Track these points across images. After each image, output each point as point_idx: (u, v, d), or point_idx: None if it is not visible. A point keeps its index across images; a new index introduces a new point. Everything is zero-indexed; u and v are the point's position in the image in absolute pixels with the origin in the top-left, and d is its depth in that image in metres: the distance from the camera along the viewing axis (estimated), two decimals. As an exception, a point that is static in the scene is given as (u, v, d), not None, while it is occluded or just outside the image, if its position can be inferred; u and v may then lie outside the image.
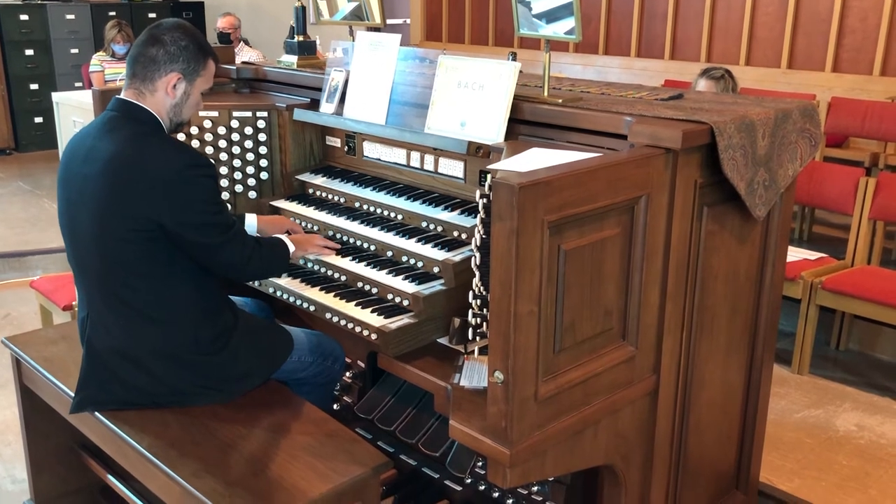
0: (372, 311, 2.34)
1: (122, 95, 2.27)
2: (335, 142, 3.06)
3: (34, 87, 8.70)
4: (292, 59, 3.27)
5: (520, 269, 1.68)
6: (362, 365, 2.73)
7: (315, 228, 2.80)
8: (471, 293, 2.05)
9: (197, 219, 2.17)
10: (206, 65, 2.31)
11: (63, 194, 2.28)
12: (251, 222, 2.70)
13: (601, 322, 1.94)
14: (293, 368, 2.48)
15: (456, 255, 2.35)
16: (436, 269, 2.39)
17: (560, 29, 2.24)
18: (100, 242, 2.18)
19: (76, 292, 2.40)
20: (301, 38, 3.29)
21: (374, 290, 2.45)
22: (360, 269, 2.51)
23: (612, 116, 2.15)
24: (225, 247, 2.22)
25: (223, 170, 2.98)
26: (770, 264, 2.44)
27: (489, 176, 1.97)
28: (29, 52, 8.64)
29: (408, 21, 9.18)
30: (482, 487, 2.49)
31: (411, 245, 2.48)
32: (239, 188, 3.02)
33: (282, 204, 2.94)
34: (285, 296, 2.57)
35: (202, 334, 2.26)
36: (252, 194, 3.03)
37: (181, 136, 2.86)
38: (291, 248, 2.50)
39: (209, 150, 2.96)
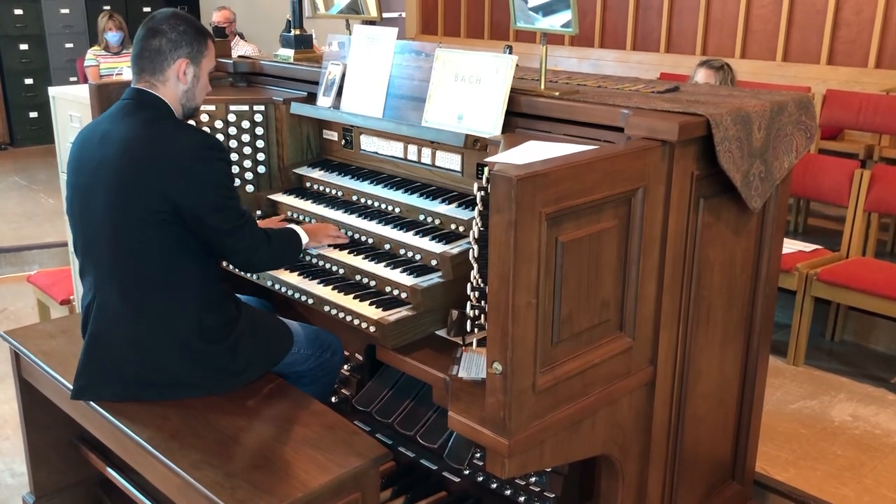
0: (370, 304, 2.35)
1: (135, 86, 2.31)
2: (332, 135, 3.07)
3: (29, 81, 8.68)
4: (289, 52, 3.27)
5: (518, 261, 1.69)
6: (360, 358, 2.74)
7: (312, 222, 2.81)
8: (469, 285, 2.06)
9: (210, 201, 2.19)
10: (207, 45, 2.35)
11: (74, 180, 2.31)
12: None
13: (598, 313, 1.96)
14: (292, 361, 2.49)
15: (453, 248, 2.36)
16: (434, 262, 2.41)
17: (556, 22, 2.24)
18: (114, 225, 2.20)
19: (80, 281, 2.41)
20: (297, 32, 3.29)
21: (373, 283, 2.46)
22: (359, 262, 2.52)
23: (608, 109, 2.16)
24: (235, 233, 2.25)
25: (221, 163, 2.98)
26: (766, 256, 2.46)
27: (487, 168, 1.98)
28: (23, 46, 8.61)
29: (403, 15, 9.17)
30: (480, 478, 2.50)
31: (409, 238, 2.49)
32: (236, 182, 3.01)
33: (279, 198, 2.95)
34: (284, 289, 2.58)
35: (207, 322, 2.28)
36: (249, 188, 3.04)
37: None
38: (305, 238, 2.52)
39: (206, 143, 2.96)
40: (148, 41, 2.28)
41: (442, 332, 2.32)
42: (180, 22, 2.30)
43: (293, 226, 2.58)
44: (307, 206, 2.84)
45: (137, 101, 2.28)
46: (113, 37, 6.63)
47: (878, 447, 3.25)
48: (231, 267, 2.70)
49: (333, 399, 2.78)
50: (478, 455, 2.47)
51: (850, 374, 3.86)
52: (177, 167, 2.16)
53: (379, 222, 2.61)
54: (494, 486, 2.46)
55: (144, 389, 2.28)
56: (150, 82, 2.29)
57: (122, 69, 6.37)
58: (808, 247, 4.15)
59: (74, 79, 8.08)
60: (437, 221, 2.55)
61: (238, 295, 2.54)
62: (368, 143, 2.92)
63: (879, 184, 4.04)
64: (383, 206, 2.72)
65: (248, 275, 2.71)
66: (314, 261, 2.64)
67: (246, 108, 2.99)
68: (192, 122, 2.91)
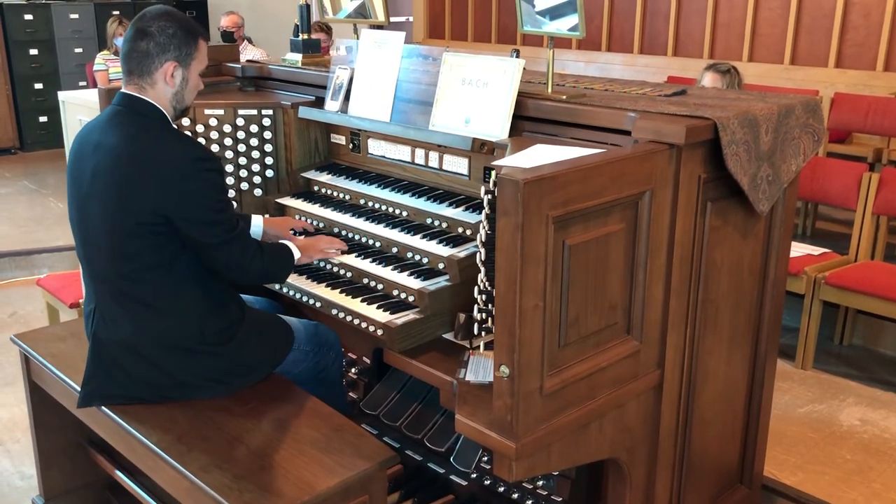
0: (378, 307, 2.36)
1: (125, 90, 2.28)
2: (340, 139, 3.08)
3: (38, 86, 8.71)
4: (297, 56, 3.28)
5: (525, 264, 1.69)
6: (368, 361, 2.75)
7: (321, 225, 2.82)
8: (476, 288, 2.06)
9: (201, 215, 2.18)
10: (198, 47, 2.30)
11: (73, 190, 2.30)
12: (257, 223, 2.68)
13: (606, 317, 1.96)
14: (293, 359, 2.49)
15: (461, 251, 2.37)
16: (441, 265, 2.41)
17: (564, 25, 2.25)
18: (109, 236, 2.20)
19: (83, 287, 2.42)
20: (305, 37, 3.30)
21: (380, 287, 2.46)
22: (366, 265, 2.52)
23: (615, 112, 2.16)
24: (225, 247, 2.22)
25: (229, 167, 2.99)
26: (773, 259, 2.46)
27: (494, 172, 1.99)
28: (33, 51, 8.65)
29: (410, 19, 9.19)
30: (487, 482, 2.50)
31: (416, 241, 2.50)
32: (244, 186, 3.03)
33: (287, 201, 2.96)
34: (292, 292, 2.59)
35: (208, 326, 2.28)
36: (258, 192, 3.05)
37: (186, 133, 2.87)
38: (297, 254, 2.47)
39: (215, 147, 2.97)
40: (136, 42, 2.23)
41: (449, 336, 2.33)
42: (170, 23, 2.24)
43: (285, 241, 2.54)
44: (315, 209, 2.85)
45: (128, 107, 2.24)
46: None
47: (888, 451, 3.23)
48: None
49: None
50: (485, 458, 2.47)
51: (858, 378, 3.85)
52: (167, 182, 2.14)
53: (386, 226, 2.62)
54: (502, 489, 2.47)
55: (151, 392, 2.29)
56: (138, 85, 2.25)
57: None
58: (816, 250, 4.14)
59: (84, 83, 8.11)
60: (444, 225, 2.55)
61: (247, 295, 2.55)
62: (376, 147, 2.92)
63: (888, 187, 4.03)
64: (391, 209, 2.73)
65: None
66: (322, 264, 2.65)
67: (254, 112, 3.00)
68: (199, 123, 2.94)
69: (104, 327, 2.29)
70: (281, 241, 2.54)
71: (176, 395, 2.29)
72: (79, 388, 2.35)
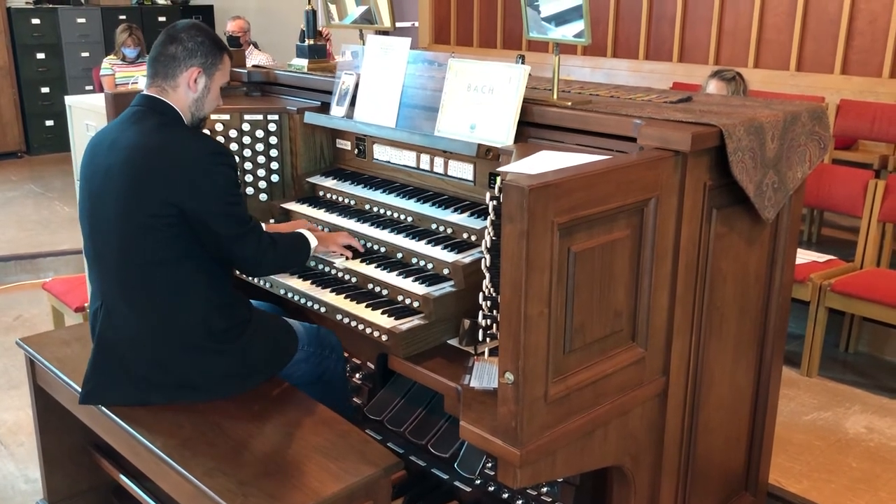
0: (382, 313, 2.36)
1: (145, 92, 2.34)
2: (345, 144, 3.08)
3: (45, 90, 8.75)
4: (303, 62, 3.29)
5: (530, 271, 1.69)
6: (372, 366, 2.75)
7: (325, 231, 2.82)
8: (481, 294, 2.06)
9: (216, 207, 2.21)
10: (222, 59, 2.39)
11: (86, 186, 2.34)
12: None
13: (611, 323, 1.95)
14: (295, 361, 2.51)
15: (466, 257, 2.37)
16: (446, 271, 2.41)
17: (569, 32, 2.25)
18: (121, 230, 2.23)
19: (89, 286, 2.43)
20: (312, 42, 3.31)
21: (385, 292, 2.46)
22: (371, 270, 2.52)
23: (621, 119, 2.16)
24: (241, 239, 2.26)
25: (234, 172, 3.00)
26: (779, 266, 2.45)
27: (499, 178, 1.99)
28: (40, 55, 8.69)
29: (416, 24, 9.20)
30: (491, 488, 2.50)
31: (421, 247, 2.50)
32: (250, 191, 3.04)
33: (292, 206, 2.96)
34: (296, 297, 2.59)
35: (215, 323, 2.29)
36: (263, 197, 3.05)
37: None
38: (313, 242, 2.52)
39: (220, 152, 2.98)
40: (165, 46, 2.32)
41: (454, 342, 2.33)
42: (199, 33, 2.34)
43: (302, 230, 2.58)
44: (320, 214, 2.85)
45: (147, 107, 2.31)
46: (130, 52, 6.67)
47: (894, 459, 3.22)
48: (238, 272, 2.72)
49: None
50: (489, 464, 2.46)
51: (864, 386, 3.84)
52: (181, 174, 2.19)
53: (391, 231, 2.62)
54: (506, 495, 2.46)
55: (152, 392, 2.30)
56: (161, 87, 2.32)
57: (138, 78, 6.41)
58: (822, 257, 4.13)
59: (90, 87, 8.13)
60: (449, 230, 2.55)
61: (252, 300, 2.55)
62: (381, 153, 2.93)
63: (894, 194, 4.02)
64: (395, 214, 2.73)
65: (259, 282, 2.72)
66: (326, 269, 2.65)
67: (260, 117, 3.01)
68: (206, 128, 2.94)
69: (110, 325, 2.30)
70: (296, 231, 2.57)
71: (178, 397, 2.30)
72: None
